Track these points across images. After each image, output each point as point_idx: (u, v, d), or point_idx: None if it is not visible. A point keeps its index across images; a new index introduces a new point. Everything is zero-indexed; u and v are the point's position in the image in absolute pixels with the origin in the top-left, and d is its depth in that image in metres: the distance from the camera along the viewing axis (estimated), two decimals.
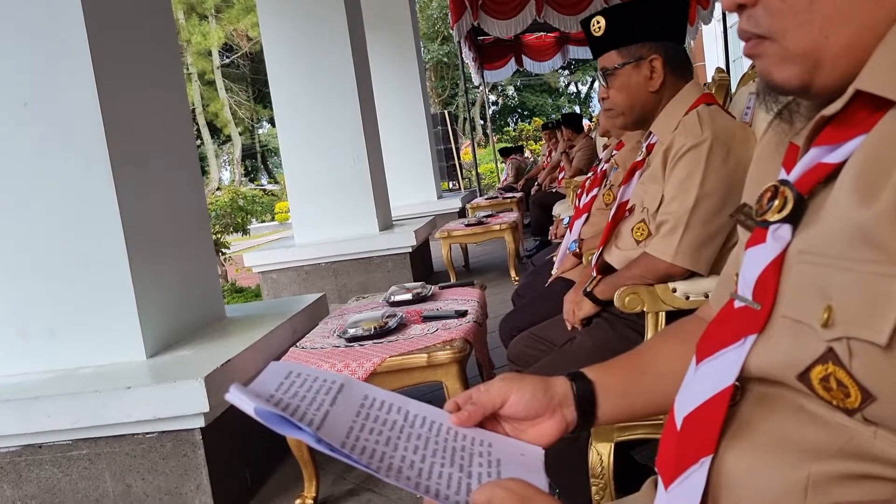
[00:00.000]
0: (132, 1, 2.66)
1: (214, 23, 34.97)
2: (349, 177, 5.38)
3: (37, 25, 2.33)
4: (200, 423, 2.14)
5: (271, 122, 36.33)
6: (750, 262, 0.68)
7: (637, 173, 1.93)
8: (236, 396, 0.76)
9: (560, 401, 0.88)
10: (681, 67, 1.84)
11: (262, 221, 21.70)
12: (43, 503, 2.23)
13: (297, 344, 2.36)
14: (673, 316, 1.62)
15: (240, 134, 37.84)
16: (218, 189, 25.99)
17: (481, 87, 16.00)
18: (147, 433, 2.17)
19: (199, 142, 31.95)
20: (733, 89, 2.17)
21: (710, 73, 3.31)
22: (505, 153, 11.83)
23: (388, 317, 2.35)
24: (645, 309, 1.65)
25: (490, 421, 0.86)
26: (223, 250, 8.08)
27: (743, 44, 0.68)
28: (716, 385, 0.67)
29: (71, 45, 2.32)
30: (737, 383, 0.66)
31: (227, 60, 37.04)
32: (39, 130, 2.36)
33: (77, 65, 2.32)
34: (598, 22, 1.81)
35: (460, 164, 15.08)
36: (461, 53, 11.18)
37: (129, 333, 2.40)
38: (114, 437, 2.18)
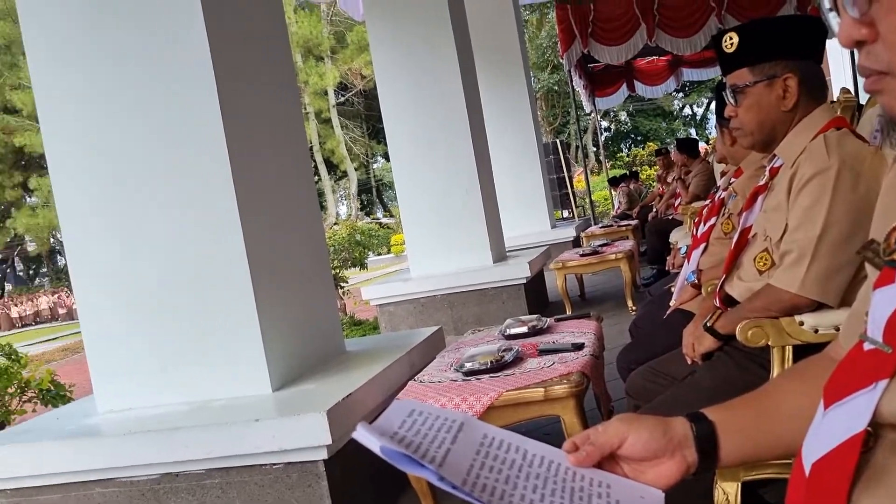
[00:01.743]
0: (257, 48, 2.81)
1: (330, 63, 36.39)
2: (462, 208, 5.45)
3: (167, 77, 2.51)
4: (324, 454, 2.21)
5: (385, 156, 37.26)
6: (879, 303, 0.66)
7: (759, 198, 1.86)
8: (363, 435, 0.79)
9: (679, 442, 0.86)
10: (815, 88, 1.76)
11: (379, 254, 22.19)
12: None
13: (416, 378, 2.40)
14: (801, 350, 1.55)
15: (355, 169, 39.01)
16: (335, 224, 26.82)
17: (593, 114, 15.89)
18: (274, 464, 2.26)
19: (316, 178, 33.12)
20: (861, 108, 2.08)
21: (835, 91, 3.16)
22: (614, 182, 11.66)
23: (503, 350, 2.36)
24: (770, 343, 1.59)
25: (608, 461, 0.86)
26: (342, 284, 8.32)
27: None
28: (846, 431, 0.65)
29: (201, 91, 2.48)
30: (869, 429, 0.64)
31: (343, 99, 38.39)
32: (173, 183, 2.52)
33: (206, 112, 2.48)
34: (730, 38, 1.76)
35: (573, 193, 14.98)
36: (571, 82, 11.18)
37: (256, 367, 2.51)
38: (244, 466, 2.28)
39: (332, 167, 39.34)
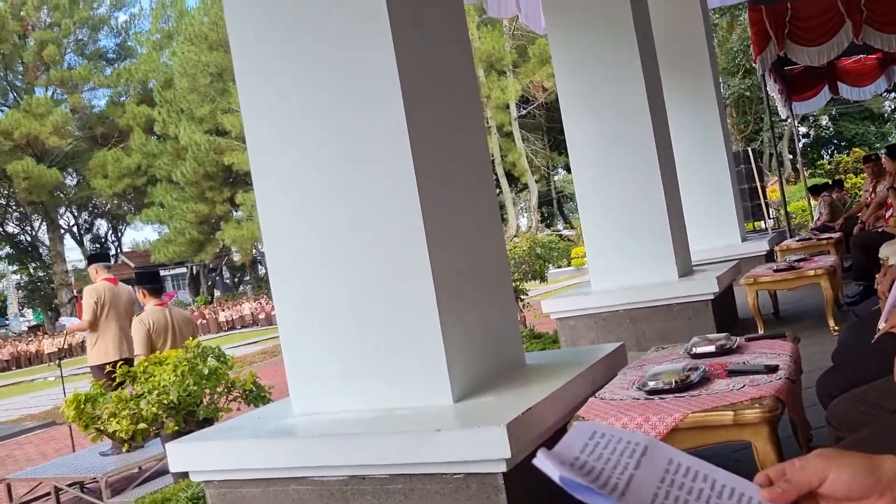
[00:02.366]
0: (442, 66, 2.89)
1: (512, 77, 36.75)
2: (646, 220, 5.29)
3: (360, 101, 2.63)
4: (503, 468, 2.22)
5: (567, 168, 37.05)
6: None
7: None
8: (543, 462, 0.78)
9: (890, 482, 0.78)
10: None
11: (559, 267, 22.06)
12: None
13: (597, 395, 2.36)
14: None
15: (536, 181, 39.08)
16: (516, 236, 26.98)
17: (789, 120, 14.91)
18: (454, 474, 2.30)
19: (498, 191, 33.52)
20: None
21: None
22: (815, 191, 10.85)
23: (689, 369, 2.26)
24: None
25: (807, 499, 0.80)
26: (522, 296, 8.34)
27: None
28: None
29: (389, 110, 2.58)
30: None
31: (524, 112, 38.62)
32: (364, 198, 2.64)
33: (394, 131, 2.58)
34: None
35: (767, 204, 14.12)
36: (765, 86, 10.55)
37: (437, 378, 2.57)
38: (425, 475, 2.34)
39: (513, 180, 39.68)
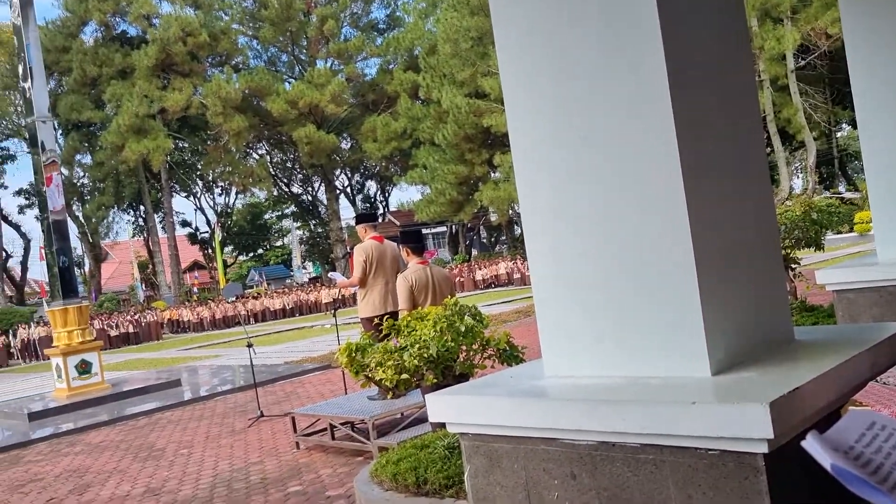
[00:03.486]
0: (707, 13, 2.71)
1: (789, 24, 33.69)
2: None
3: (620, 67, 2.54)
4: (763, 448, 2.07)
5: (852, 123, 33.43)
6: None
7: None
8: (813, 447, 0.71)
9: None
10: None
11: (839, 233, 20.11)
12: (613, 496, 2.42)
13: (878, 379, 2.12)
14: None
15: (814, 139, 35.72)
16: (788, 199, 24.95)
17: None
18: (709, 449, 2.19)
19: (768, 150, 31.15)
20: None
21: None
22: None
23: None
24: None
25: None
26: (792, 265, 7.72)
27: None
28: None
29: (650, 60, 2.47)
30: None
31: (803, 63, 35.31)
32: (618, 157, 2.56)
33: (654, 82, 2.46)
34: None
35: None
36: None
37: (694, 349, 2.45)
38: (677, 447, 2.25)
39: (786, 137, 36.65)
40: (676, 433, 2.21)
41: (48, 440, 11.10)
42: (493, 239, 61.22)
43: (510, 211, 44.83)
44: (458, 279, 39.25)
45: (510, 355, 4.79)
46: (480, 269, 41.13)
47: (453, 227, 54.45)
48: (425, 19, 46.66)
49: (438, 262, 45.14)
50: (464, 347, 4.78)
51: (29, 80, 14.66)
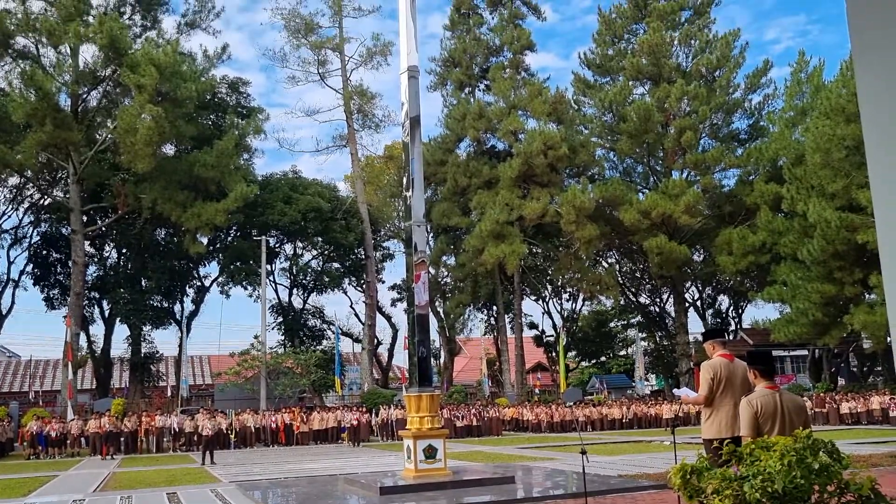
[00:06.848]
0: None
1: None
2: None
3: None
4: None
5: None
6: None
7: None
8: None
9: None
10: None
11: None
12: None
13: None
14: None
15: None
16: None
17: None
18: None
19: None
20: None
21: None
22: None
23: None
24: None
25: None
26: None
27: None
28: None
29: None
30: None
31: None
32: None
33: None
34: None
35: None
36: None
37: None
38: None
39: None
40: None
41: None
42: (864, 368, 54.34)
43: (888, 338, 39.43)
44: (817, 409, 35.23)
45: None
46: (847, 400, 36.46)
47: (816, 350, 49.39)
48: (792, 128, 44.27)
49: (795, 389, 41.10)
50: (816, 488, 4.20)
51: (411, 189, 16.70)
